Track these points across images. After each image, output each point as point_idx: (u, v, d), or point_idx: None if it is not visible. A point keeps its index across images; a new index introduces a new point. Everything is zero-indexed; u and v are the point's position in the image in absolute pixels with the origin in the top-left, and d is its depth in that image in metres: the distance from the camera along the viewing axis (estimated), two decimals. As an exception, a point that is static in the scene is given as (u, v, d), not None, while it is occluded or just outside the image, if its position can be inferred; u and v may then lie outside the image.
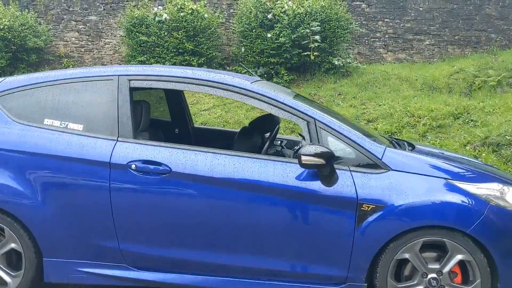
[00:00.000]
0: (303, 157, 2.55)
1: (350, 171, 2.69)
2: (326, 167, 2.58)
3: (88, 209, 2.85)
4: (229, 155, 2.80)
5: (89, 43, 11.58)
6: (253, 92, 2.90)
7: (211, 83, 2.92)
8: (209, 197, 2.76)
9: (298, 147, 3.62)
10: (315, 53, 8.98)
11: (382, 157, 2.72)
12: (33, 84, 3.03)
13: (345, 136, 2.76)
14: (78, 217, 2.86)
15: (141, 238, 2.85)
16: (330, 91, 8.92)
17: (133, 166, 2.78)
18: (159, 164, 2.78)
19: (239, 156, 2.79)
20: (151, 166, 2.77)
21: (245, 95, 2.90)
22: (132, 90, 2.98)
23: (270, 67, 9.37)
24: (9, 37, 9.97)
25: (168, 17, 9.68)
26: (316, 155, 2.53)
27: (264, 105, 2.88)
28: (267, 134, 3.77)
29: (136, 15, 9.90)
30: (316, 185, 2.66)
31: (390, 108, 8.16)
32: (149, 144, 2.87)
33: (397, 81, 9.49)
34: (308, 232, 2.72)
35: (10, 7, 10.60)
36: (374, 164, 2.72)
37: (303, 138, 3.44)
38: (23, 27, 10.27)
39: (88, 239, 2.88)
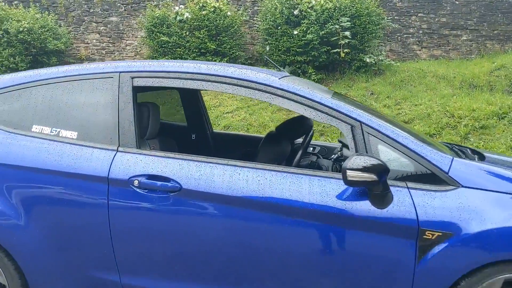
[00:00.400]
0: (349, 172, 1.99)
1: (408, 188, 2.12)
2: (378, 184, 2.02)
3: (82, 234, 2.37)
4: (253, 168, 2.27)
5: (110, 45, 11.28)
6: (282, 89, 2.34)
7: (230, 79, 2.39)
8: (227, 221, 2.24)
9: (335, 155, 3.06)
10: (345, 50, 8.42)
11: (449, 171, 2.13)
12: (20, 84, 2.56)
13: (401, 143, 2.18)
14: (71, 244, 2.38)
15: (145, 270, 2.35)
16: (362, 91, 8.35)
17: (136, 182, 2.29)
18: (168, 179, 2.27)
19: (265, 169, 2.25)
20: (158, 183, 2.28)
21: (272, 93, 2.35)
22: (136, 89, 2.49)
23: (297, 66, 8.86)
24: (29, 39, 9.74)
25: (189, 16, 9.30)
26: (365, 169, 1.98)
27: (295, 105, 2.33)
28: (299, 141, 3.24)
29: (157, 15, 9.57)
30: (365, 207, 2.10)
31: (427, 108, 7.61)
32: (155, 155, 2.37)
33: (433, 79, 8.87)
34: (354, 266, 2.15)
35: (30, 9, 10.39)
36: (439, 179, 2.14)
37: (343, 145, 2.89)
38: (43, 29, 10.04)
39: (83, 270, 2.39)
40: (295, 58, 8.76)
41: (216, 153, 3.65)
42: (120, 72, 2.48)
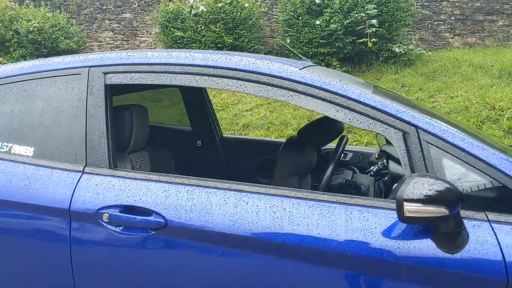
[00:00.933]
0: (407, 206, 1.37)
1: (489, 221, 1.49)
2: (449, 220, 1.41)
3: (36, 283, 1.82)
4: (265, 194, 1.67)
5: (124, 43, 10.86)
6: (304, 84, 1.74)
7: (233, 72, 1.80)
8: (230, 269, 1.64)
9: (376, 167, 2.46)
10: (373, 40, 7.75)
11: None
12: None
13: (477, 157, 1.55)
14: None
15: None
16: (391, 83, 7.70)
17: (106, 216, 1.72)
18: (149, 212, 1.69)
19: (283, 196, 1.65)
20: (135, 217, 1.69)
21: (291, 89, 1.75)
22: (110, 88, 1.94)
23: (320, 58, 8.23)
24: (40, 39, 9.40)
25: (205, 9, 8.78)
26: (430, 199, 1.36)
27: (323, 105, 1.70)
28: (329, 146, 2.66)
29: (171, 9, 9.07)
30: (427, 250, 1.48)
31: (464, 100, 6.97)
32: (133, 177, 1.79)
33: (469, 69, 8.16)
34: None
35: (41, 8, 10.03)
36: None
37: (388, 156, 2.28)
38: (54, 28, 9.67)
39: None
40: (318, 50, 8.14)
41: (227, 162, 3.08)
42: (90, 66, 1.92)
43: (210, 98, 7.67)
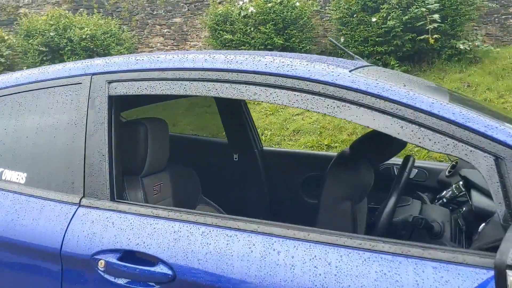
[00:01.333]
0: None
1: None
2: None
3: None
4: (304, 241, 1.25)
5: (174, 48, 10.79)
6: (356, 91, 1.32)
7: (262, 77, 1.39)
8: None
9: (449, 192, 1.99)
10: (435, 36, 7.15)
11: None
12: None
13: None
14: None
15: None
16: (456, 83, 7.09)
17: (102, 263, 1.37)
18: (153, 260, 1.35)
19: (328, 244, 1.23)
20: (136, 267, 1.35)
21: (338, 98, 1.33)
22: (115, 100, 1.60)
23: (377, 57, 7.72)
24: (92, 46, 9.44)
25: (254, 10, 8.49)
26: None
27: (383, 120, 1.29)
28: (394, 161, 2.24)
29: (220, 12, 8.86)
30: None
31: (540, 100, 6.27)
32: (137, 212, 1.44)
33: (544, 65, 7.40)
34: None
35: (94, 15, 10.14)
36: None
37: (469, 184, 1.84)
38: (106, 35, 9.72)
39: None
40: (375, 48, 7.63)
41: (268, 179, 2.71)
42: (93, 74, 1.60)
43: (258, 102, 7.39)
